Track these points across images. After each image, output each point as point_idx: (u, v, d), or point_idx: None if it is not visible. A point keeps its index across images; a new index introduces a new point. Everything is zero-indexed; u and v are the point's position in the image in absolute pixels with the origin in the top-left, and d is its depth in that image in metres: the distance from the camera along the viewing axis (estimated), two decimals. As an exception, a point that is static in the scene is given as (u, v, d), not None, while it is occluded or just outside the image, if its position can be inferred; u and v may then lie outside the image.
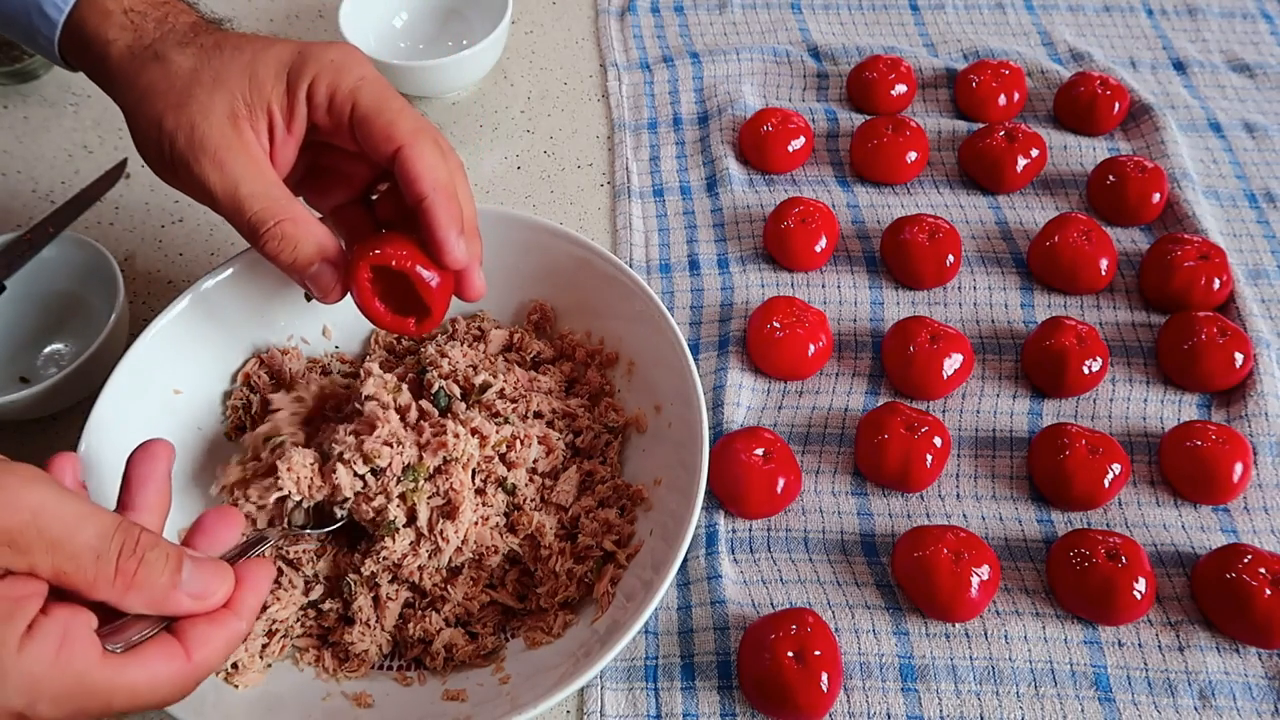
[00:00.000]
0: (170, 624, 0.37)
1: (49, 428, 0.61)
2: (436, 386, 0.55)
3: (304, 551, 0.51)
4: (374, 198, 0.52)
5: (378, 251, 0.46)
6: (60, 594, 0.34)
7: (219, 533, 0.41)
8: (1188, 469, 0.58)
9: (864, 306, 0.67)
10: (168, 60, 0.45)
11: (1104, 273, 0.66)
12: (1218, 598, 0.52)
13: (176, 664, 0.35)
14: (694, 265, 0.70)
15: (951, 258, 0.67)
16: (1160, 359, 0.64)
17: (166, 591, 0.35)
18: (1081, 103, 0.77)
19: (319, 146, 0.50)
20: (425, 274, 0.47)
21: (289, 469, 0.50)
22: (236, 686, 0.49)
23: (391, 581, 0.51)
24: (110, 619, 0.35)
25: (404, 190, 0.45)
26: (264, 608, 0.50)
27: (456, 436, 0.51)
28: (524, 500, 0.53)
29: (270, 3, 0.90)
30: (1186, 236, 0.67)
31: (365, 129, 0.44)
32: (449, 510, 0.50)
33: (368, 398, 0.53)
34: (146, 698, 0.35)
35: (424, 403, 0.54)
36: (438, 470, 0.51)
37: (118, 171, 0.65)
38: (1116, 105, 0.76)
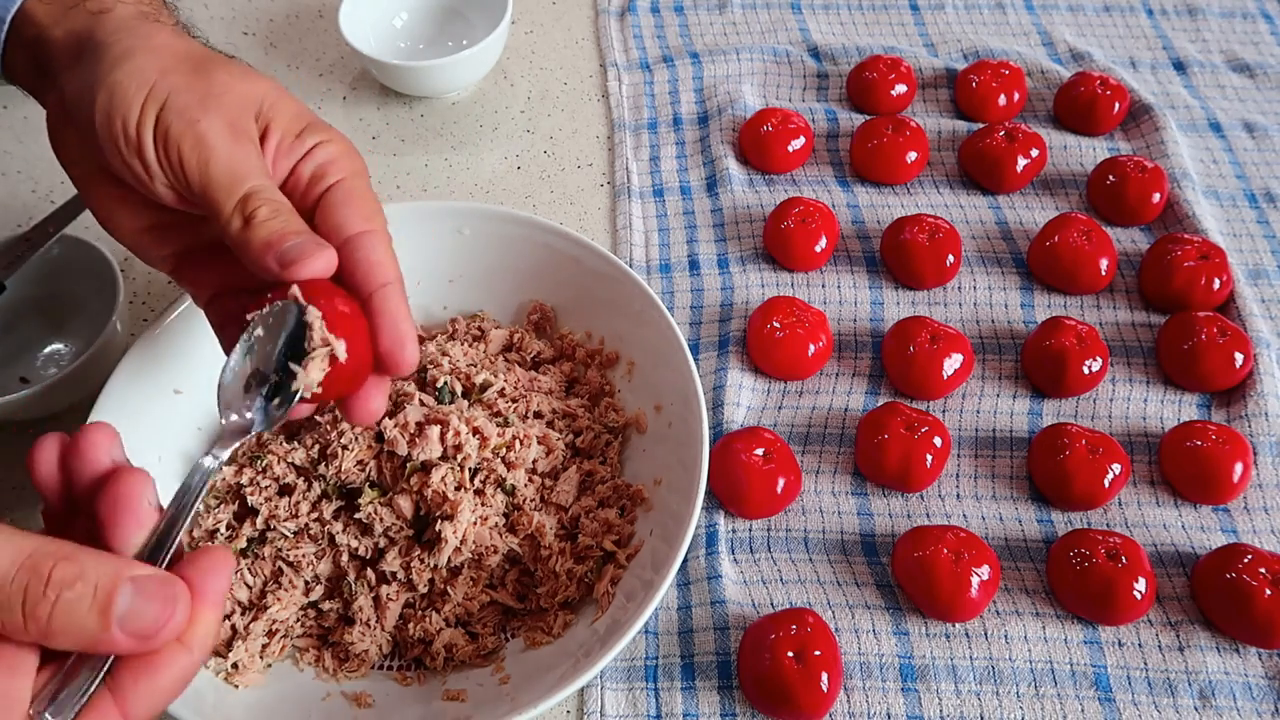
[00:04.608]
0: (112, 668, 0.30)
1: (49, 428, 0.60)
2: (441, 381, 0.55)
3: (304, 555, 0.51)
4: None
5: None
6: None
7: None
8: (1188, 469, 0.57)
9: (864, 306, 0.67)
10: (188, 39, 0.44)
11: (1104, 273, 0.66)
12: (1218, 598, 0.52)
13: None
14: (694, 265, 0.70)
15: (951, 258, 0.66)
16: (1160, 359, 0.64)
17: (95, 636, 0.29)
18: (1081, 103, 0.77)
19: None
20: (340, 347, 0.38)
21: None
22: (236, 686, 0.49)
23: (392, 582, 0.51)
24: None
25: (361, 274, 0.40)
26: (263, 608, 0.50)
27: (457, 433, 0.51)
28: (524, 500, 0.53)
29: (270, 3, 0.90)
30: (1186, 236, 0.67)
31: (345, 206, 0.41)
32: (447, 510, 0.50)
33: None
34: None
35: (425, 395, 0.54)
36: (433, 466, 0.51)
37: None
38: (1116, 105, 0.76)
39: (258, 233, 0.38)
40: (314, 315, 0.37)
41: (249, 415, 0.38)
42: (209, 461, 0.37)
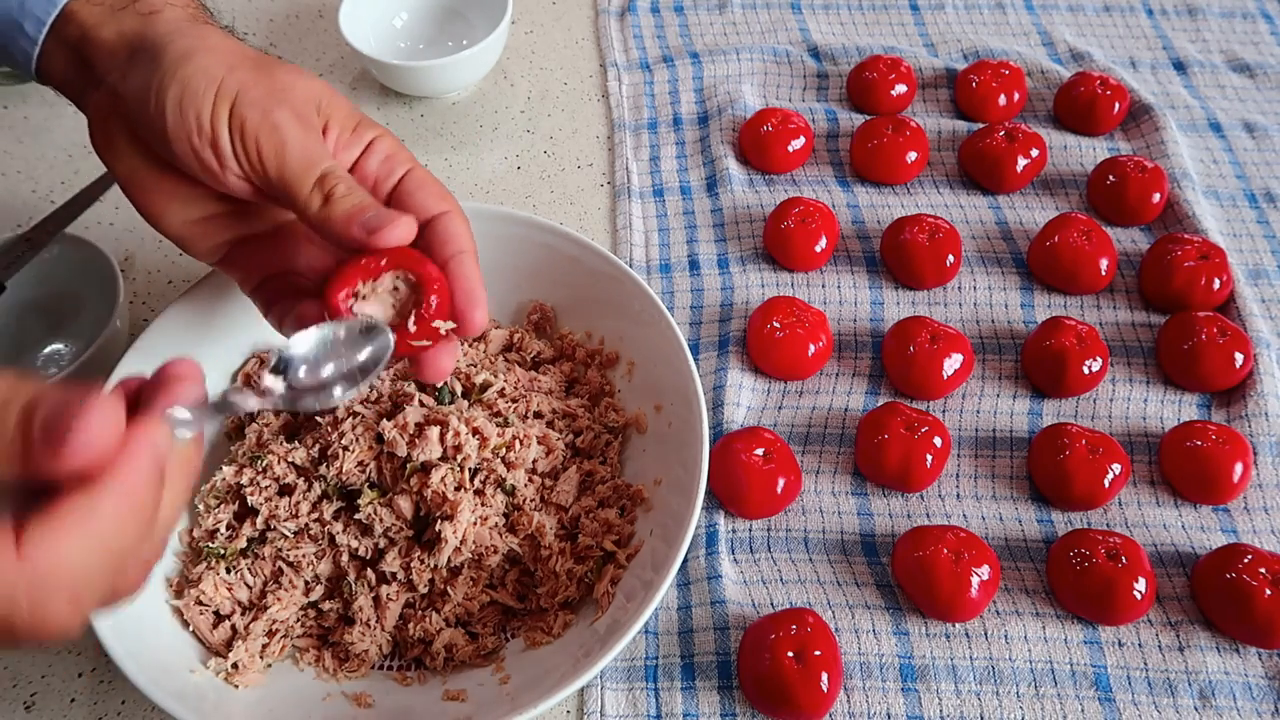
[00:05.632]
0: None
1: (49, 428, 0.61)
2: (441, 381, 0.55)
3: (304, 555, 0.51)
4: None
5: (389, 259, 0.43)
6: None
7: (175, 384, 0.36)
8: (1188, 469, 0.57)
9: (864, 306, 0.67)
10: (238, 41, 0.45)
11: (1104, 273, 0.66)
12: (1218, 598, 0.52)
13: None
14: (694, 265, 0.70)
15: (951, 258, 0.67)
16: (1160, 359, 0.64)
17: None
18: (1081, 103, 0.77)
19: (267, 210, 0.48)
20: (434, 299, 0.42)
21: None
22: (236, 686, 0.49)
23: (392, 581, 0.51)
24: None
25: (440, 243, 0.45)
26: (263, 608, 0.50)
27: (457, 434, 0.51)
28: (524, 500, 0.53)
29: (270, 3, 0.90)
30: (1186, 236, 0.67)
31: (422, 190, 0.45)
32: (447, 511, 0.50)
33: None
34: None
35: (425, 396, 0.54)
36: (433, 466, 0.51)
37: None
38: (1116, 105, 0.76)
39: (339, 207, 0.42)
40: (412, 273, 0.42)
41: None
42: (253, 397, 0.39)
